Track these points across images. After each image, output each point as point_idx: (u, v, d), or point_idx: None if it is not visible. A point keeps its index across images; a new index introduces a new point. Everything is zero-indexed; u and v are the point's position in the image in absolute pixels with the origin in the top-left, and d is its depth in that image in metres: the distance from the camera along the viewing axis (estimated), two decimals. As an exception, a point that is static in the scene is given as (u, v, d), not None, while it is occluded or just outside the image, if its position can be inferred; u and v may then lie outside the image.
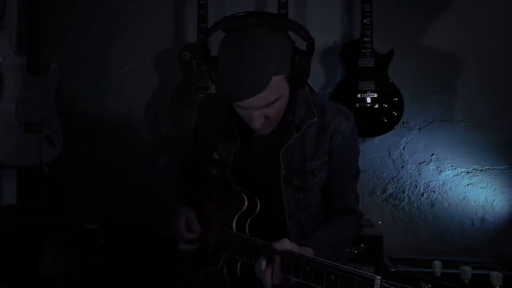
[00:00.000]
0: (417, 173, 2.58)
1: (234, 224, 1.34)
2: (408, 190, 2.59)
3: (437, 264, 0.91)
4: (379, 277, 0.91)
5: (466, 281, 0.85)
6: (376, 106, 2.40)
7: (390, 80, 2.40)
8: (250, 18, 1.16)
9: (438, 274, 0.89)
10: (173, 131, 2.63)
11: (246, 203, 1.33)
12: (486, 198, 2.51)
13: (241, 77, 1.11)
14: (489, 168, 2.52)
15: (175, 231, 1.47)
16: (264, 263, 1.13)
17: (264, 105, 1.18)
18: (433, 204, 2.56)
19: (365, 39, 2.39)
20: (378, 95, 2.40)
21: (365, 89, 2.40)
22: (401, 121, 2.45)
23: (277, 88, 1.16)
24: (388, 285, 0.89)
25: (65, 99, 2.64)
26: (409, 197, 2.58)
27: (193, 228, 1.45)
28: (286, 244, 1.13)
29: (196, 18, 2.48)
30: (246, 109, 1.20)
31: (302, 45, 1.22)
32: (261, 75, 1.11)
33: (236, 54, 1.12)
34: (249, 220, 1.35)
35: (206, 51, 1.28)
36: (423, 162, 2.57)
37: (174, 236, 1.48)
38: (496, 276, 0.82)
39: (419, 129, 2.57)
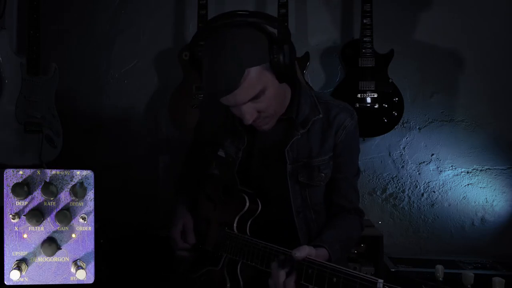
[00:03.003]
0: (417, 173, 2.58)
1: (235, 224, 1.34)
2: (408, 190, 2.59)
3: (439, 268, 0.91)
4: (381, 281, 0.90)
5: (469, 286, 0.85)
6: (376, 106, 2.40)
7: (390, 80, 2.41)
8: (217, 21, 1.18)
9: (440, 279, 0.89)
10: (173, 131, 2.63)
11: (247, 204, 1.33)
12: (486, 198, 2.52)
13: (216, 76, 1.14)
14: (489, 168, 2.52)
15: (171, 238, 1.47)
16: (282, 273, 1.08)
17: (249, 99, 1.17)
18: (433, 204, 2.56)
19: (365, 39, 2.39)
20: (378, 95, 2.40)
21: (365, 89, 2.40)
22: (401, 121, 2.45)
23: (257, 79, 1.15)
24: None
25: (65, 99, 2.63)
26: (409, 197, 2.59)
27: (189, 238, 1.45)
28: (306, 251, 1.08)
29: (196, 18, 2.48)
30: (234, 107, 1.20)
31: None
32: (233, 70, 1.12)
33: (211, 56, 1.15)
34: (250, 221, 1.35)
35: (194, 60, 1.28)
36: (423, 162, 2.57)
37: (170, 242, 1.48)
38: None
39: (419, 129, 2.57)
